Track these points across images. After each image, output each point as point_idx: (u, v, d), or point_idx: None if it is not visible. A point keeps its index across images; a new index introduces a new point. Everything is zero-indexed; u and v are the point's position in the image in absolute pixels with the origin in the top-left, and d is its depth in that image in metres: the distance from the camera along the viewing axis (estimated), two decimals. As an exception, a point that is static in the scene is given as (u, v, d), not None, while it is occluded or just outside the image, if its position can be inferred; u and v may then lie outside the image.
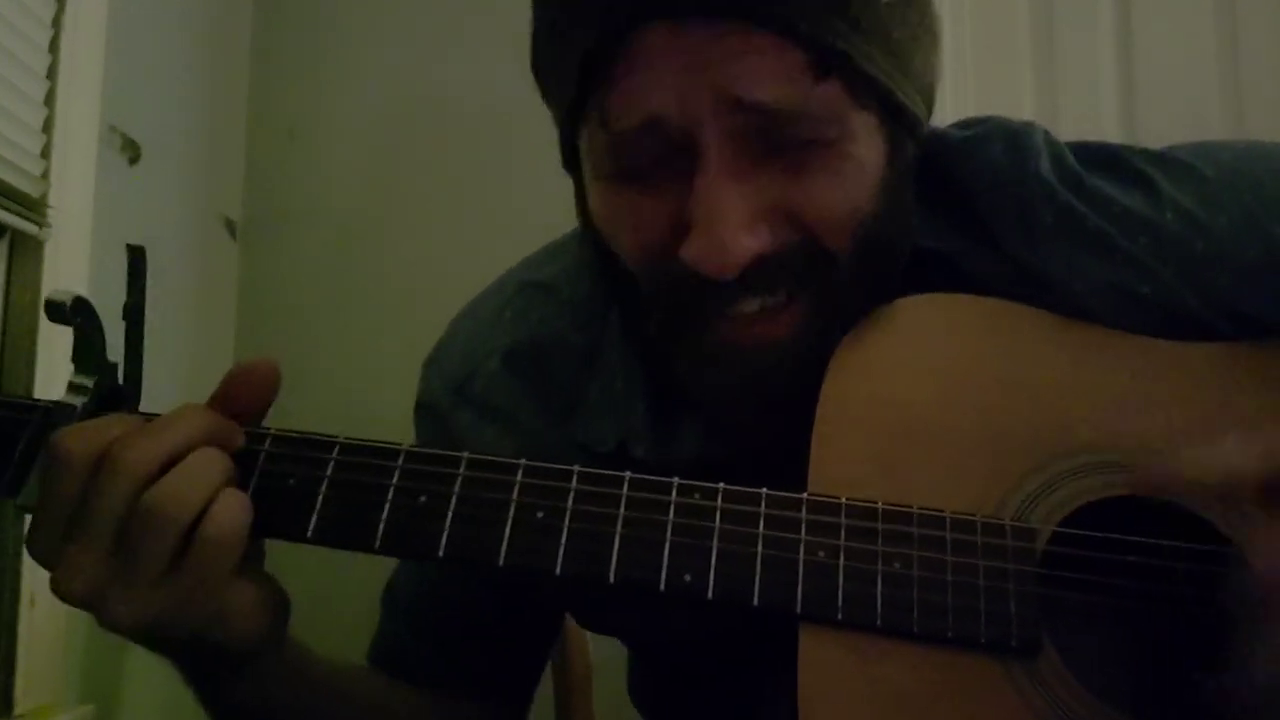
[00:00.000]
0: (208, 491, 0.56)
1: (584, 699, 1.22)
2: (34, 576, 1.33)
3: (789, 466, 0.62)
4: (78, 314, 0.63)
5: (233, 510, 0.57)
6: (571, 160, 0.68)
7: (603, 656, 1.11)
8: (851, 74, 0.60)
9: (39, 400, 0.64)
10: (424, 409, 0.82)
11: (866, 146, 0.62)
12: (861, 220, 0.63)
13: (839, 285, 0.64)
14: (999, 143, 0.71)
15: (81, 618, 1.44)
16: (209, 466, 0.57)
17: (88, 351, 0.64)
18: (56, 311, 0.63)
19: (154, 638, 0.59)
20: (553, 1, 0.64)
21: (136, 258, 0.75)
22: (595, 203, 0.66)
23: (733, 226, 0.59)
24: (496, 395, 0.77)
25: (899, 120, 0.64)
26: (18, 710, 1.29)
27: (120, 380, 0.66)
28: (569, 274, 0.79)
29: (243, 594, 0.59)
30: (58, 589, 0.57)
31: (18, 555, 1.32)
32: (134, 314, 0.68)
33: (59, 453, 0.57)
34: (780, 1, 0.57)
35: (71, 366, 0.64)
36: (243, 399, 0.62)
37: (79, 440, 0.57)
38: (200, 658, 0.62)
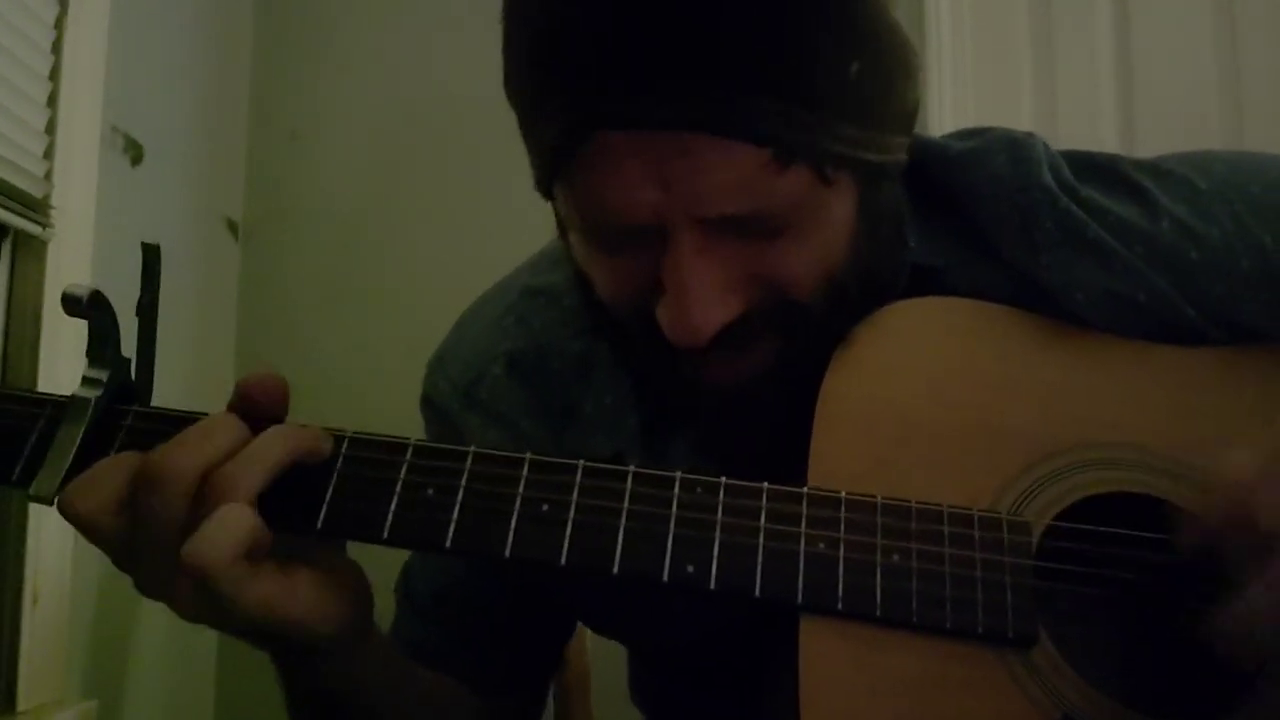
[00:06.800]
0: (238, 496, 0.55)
1: (583, 698, 1.23)
2: (36, 573, 1.33)
3: (777, 479, 0.62)
4: (93, 307, 0.62)
5: (224, 526, 0.54)
6: (548, 192, 0.68)
7: (602, 656, 1.11)
8: (819, 156, 0.59)
9: (52, 394, 0.63)
10: (433, 408, 0.83)
11: (839, 207, 0.62)
12: (831, 272, 0.63)
13: (807, 328, 0.64)
14: (1001, 153, 0.71)
15: (84, 614, 1.46)
16: (245, 468, 0.57)
17: (102, 346, 0.63)
18: (73, 304, 0.61)
19: (230, 629, 0.59)
20: (523, 88, 0.63)
21: (151, 255, 0.74)
22: (574, 248, 0.67)
23: (702, 302, 0.60)
24: (500, 400, 0.78)
25: (874, 172, 0.64)
26: (21, 707, 1.30)
27: (133, 376, 0.65)
28: (571, 281, 0.79)
29: (300, 582, 0.58)
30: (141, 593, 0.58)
31: (20, 553, 1.33)
32: (147, 310, 0.67)
33: (77, 508, 0.57)
34: (738, 109, 0.56)
35: (81, 361, 0.64)
36: (263, 407, 0.60)
37: (96, 480, 0.57)
38: (282, 641, 0.61)
